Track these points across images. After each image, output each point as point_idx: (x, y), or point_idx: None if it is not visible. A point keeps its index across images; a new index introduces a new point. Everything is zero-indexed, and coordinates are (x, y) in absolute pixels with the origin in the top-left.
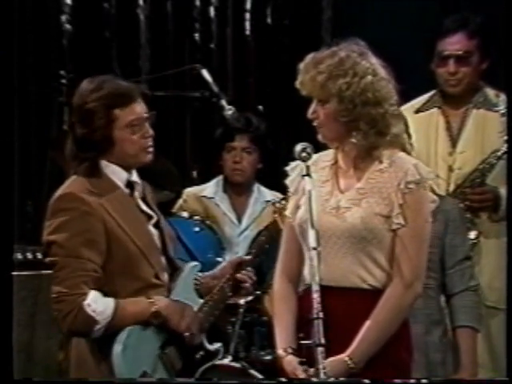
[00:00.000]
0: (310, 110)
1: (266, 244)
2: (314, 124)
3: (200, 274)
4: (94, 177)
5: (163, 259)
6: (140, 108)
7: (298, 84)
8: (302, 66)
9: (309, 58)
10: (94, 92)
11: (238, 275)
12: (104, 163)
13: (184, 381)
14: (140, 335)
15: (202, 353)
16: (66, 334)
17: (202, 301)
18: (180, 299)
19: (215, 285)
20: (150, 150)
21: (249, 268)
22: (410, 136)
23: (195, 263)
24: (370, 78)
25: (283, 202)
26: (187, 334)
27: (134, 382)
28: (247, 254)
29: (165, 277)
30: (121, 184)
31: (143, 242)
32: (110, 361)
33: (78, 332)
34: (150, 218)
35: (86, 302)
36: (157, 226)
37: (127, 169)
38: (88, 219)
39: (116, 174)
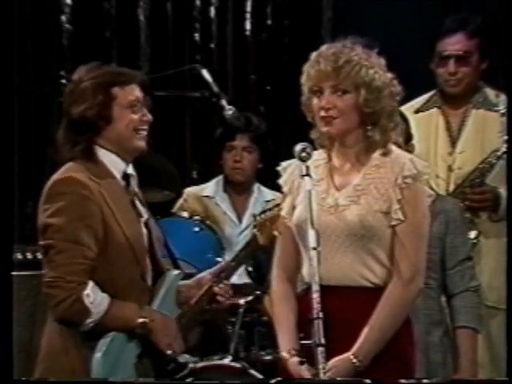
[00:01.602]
0: (325, 100)
1: (246, 258)
2: (326, 115)
3: (182, 282)
4: (89, 162)
5: (148, 260)
6: (138, 91)
7: (307, 77)
8: (315, 57)
9: (323, 49)
10: (91, 72)
11: (216, 288)
12: (102, 151)
13: (172, 382)
14: (122, 343)
15: (173, 365)
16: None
17: (180, 311)
18: (162, 309)
19: (193, 295)
20: (144, 134)
21: (226, 281)
22: (411, 137)
23: (178, 271)
24: (389, 74)
25: (263, 216)
26: (169, 351)
27: (133, 382)
28: (226, 265)
29: (149, 278)
30: (117, 174)
31: (134, 237)
32: (85, 363)
33: (70, 321)
34: (141, 215)
35: (85, 292)
36: (146, 225)
37: (124, 158)
38: (88, 204)
39: (113, 163)
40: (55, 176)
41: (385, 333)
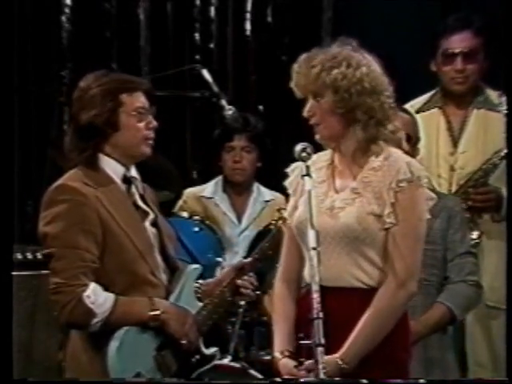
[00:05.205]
0: (306, 109)
1: (270, 250)
2: (311, 123)
3: (201, 281)
4: (91, 169)
5: (159, 258)
6: (144, 98)
7: (292, 85)
8: (295, 66)
9: (301, 58)
10: (99, 79)
11: (239, 281)
12: (103, 158)
13: (178, 381)
14: (137, 335)
15: (197, 357)
16: (63, 326)
17: (201, 304)
18: (180, 303)
19: (214, 290)
20: (151, 142)
21: (251, 274)
22: (418, 139)
23: (196, 266)
24: (364, 68)
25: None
26: (184, 341)
27: (135, 382)
28: (250, 259)
29: (162, 276)
30: (117, 179)
31: (138, 238)
32: (102, 359)
33: (76, 324)
34: (146, 215)
35: (85, 294)
36: (154, 224)
37: (125, 163)
38: (83, 209)
39: (113, 168)
40: (54, 184)
41: (373, 336)
